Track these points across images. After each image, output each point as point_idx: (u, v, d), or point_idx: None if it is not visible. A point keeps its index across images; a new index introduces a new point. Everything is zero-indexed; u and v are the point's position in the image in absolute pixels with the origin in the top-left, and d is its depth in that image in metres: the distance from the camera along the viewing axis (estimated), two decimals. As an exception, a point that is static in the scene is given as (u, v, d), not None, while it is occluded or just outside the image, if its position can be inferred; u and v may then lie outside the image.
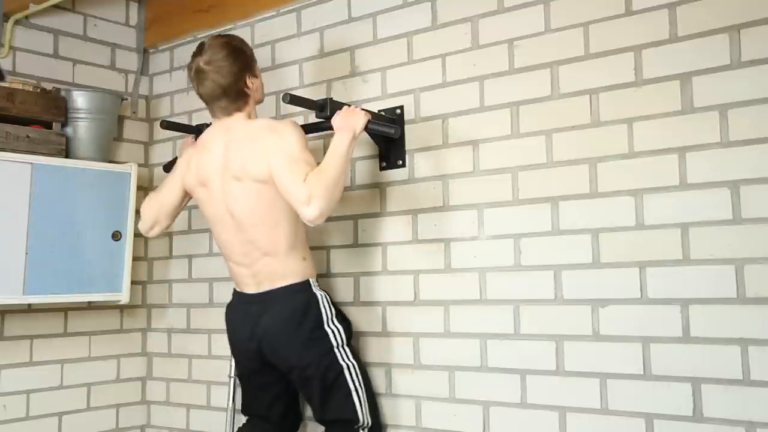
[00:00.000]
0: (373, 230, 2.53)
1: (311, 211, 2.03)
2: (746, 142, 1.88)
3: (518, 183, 2.23)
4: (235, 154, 2.21)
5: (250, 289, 2.30)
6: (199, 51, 2.25)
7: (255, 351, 2.29)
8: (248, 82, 2.26)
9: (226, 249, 2.33)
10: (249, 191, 2.19)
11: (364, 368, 2.32)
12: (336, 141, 2.15)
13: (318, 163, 2.12)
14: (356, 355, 2.31)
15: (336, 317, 2.27)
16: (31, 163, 2.64)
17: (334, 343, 2.24)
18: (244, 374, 2.43)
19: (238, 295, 2.38)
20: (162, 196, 2.47)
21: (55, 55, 3.01)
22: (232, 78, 2.22)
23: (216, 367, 2.94)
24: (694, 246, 1.94)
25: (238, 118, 2.27)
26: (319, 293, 2.27)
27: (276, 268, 2.24)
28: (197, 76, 2.24)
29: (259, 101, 2.36)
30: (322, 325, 2.24)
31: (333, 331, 2.25)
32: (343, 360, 2.24)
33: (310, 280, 2.28)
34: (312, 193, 2.02)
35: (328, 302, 2.27)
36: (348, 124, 2.17)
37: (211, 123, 2.73)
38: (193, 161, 2.35)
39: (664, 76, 2.00)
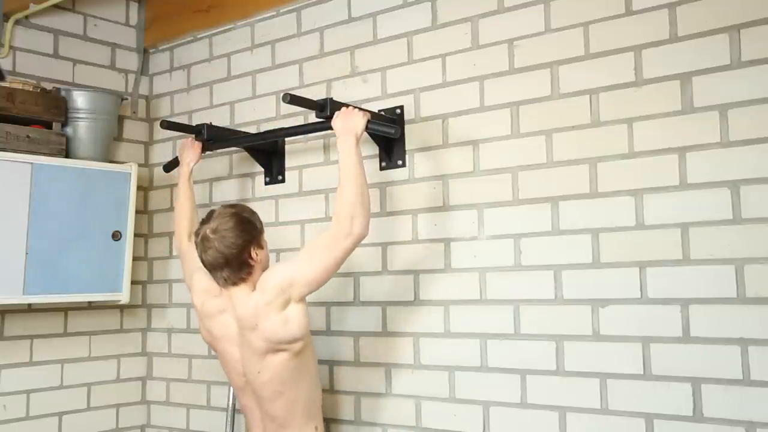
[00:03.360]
0: (372, 230, 2.51)
1: (356, 233, 2.06)
2: (746, 142, 1.88)
3: (518, 183, 2.23)
4: (252, 334, 2.14)
5: None
6: (208, 218, 2.18)
7: None
8: (253, 253, 2.16)
9: (245, 411, 2.31)
10: (270, 363, 2.14)
11: None
12: (342, 149, 2.14)
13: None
14: None
15: None
16: (31, 163, 2.64)
17: None
18: None
19: None
20: (185, 274, 2.50)
21: (55, 55, 3.01)
22: (237, 249, 2.12)
23: (216, 367, 2.93)
24: (694, 246, 1.94)
25: (243, 289, 2.17)
26: None
27: None
28: (202, 243, 2.15)
29: (265, 270, 2.25)
30: None
31: None
32: None
33: None
34: (349, 218, 2.05)
35: None
36: (348, 128, 2.16)
37: (211, 123, 2.75)
38: (206, 322, 2.29)
39: (664, 76, 2.00)
